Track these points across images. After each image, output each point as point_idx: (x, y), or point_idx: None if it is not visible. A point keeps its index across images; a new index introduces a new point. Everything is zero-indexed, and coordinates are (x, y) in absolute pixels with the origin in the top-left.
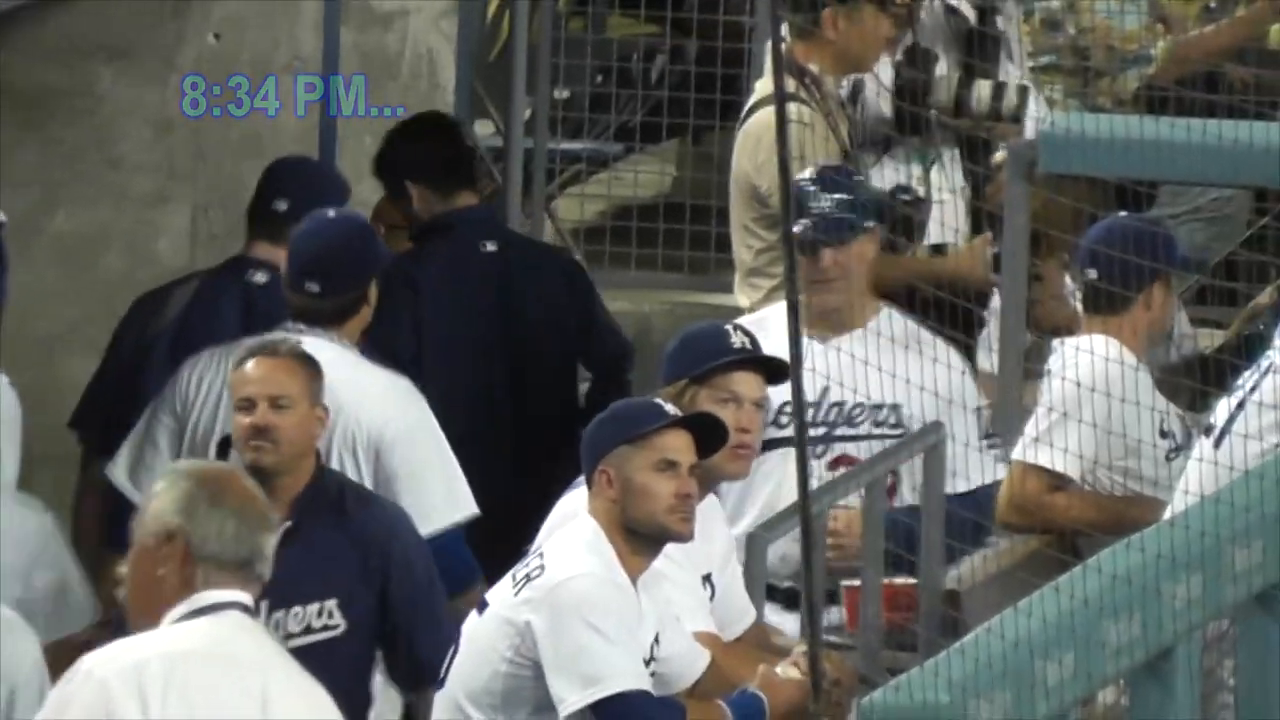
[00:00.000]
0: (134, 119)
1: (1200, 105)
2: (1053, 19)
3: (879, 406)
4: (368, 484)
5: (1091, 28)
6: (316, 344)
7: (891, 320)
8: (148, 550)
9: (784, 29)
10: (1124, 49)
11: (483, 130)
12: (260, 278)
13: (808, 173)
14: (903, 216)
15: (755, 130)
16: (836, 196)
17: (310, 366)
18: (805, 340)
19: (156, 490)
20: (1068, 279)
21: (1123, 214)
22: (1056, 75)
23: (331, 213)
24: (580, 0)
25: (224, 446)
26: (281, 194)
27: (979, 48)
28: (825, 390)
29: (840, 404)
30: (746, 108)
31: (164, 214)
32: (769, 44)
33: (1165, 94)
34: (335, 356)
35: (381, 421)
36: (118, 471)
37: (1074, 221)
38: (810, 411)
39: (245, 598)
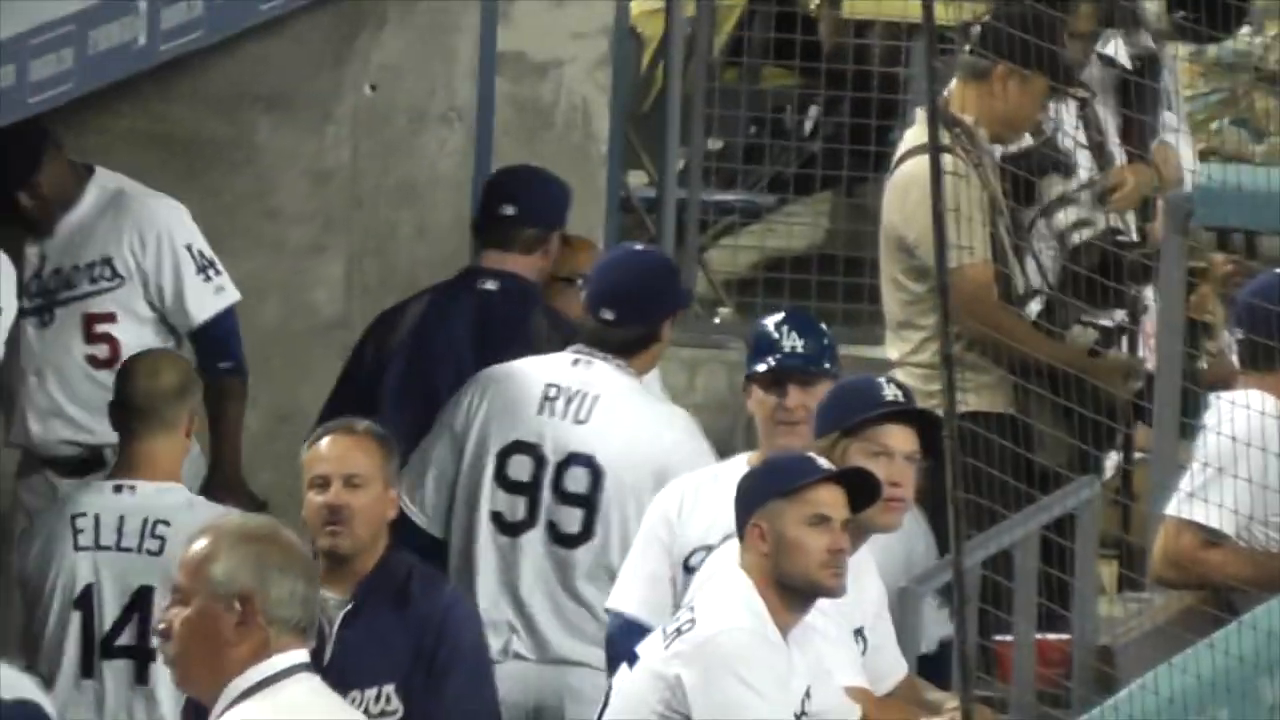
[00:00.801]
0: (291, 169)
1: None
2: (1227, 60)
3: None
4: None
5: None
6: (604, 369)
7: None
8: (213, 613)
9: (948, 73)
10: None
11: (636, 180)
12: (491, 285)
13: (777, 316)
14: (1127, 261)
15: (903, 180)
16: (806, 339)
17: (386, 446)
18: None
19: (207, 548)
20: (1226, 333)
21: (1277, 270)
22: (1227, 108)
23: (639, 246)
24: (735, 51)
25: (503, 456)
26: (508, 200)
27: (1136, 99)
28: None
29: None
30: (896, 158)
31: (320, 264)
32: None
33: None
34: (623, 385)
35: (662, 451)
36: (403, 495)
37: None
38: None
39: (306, 656)
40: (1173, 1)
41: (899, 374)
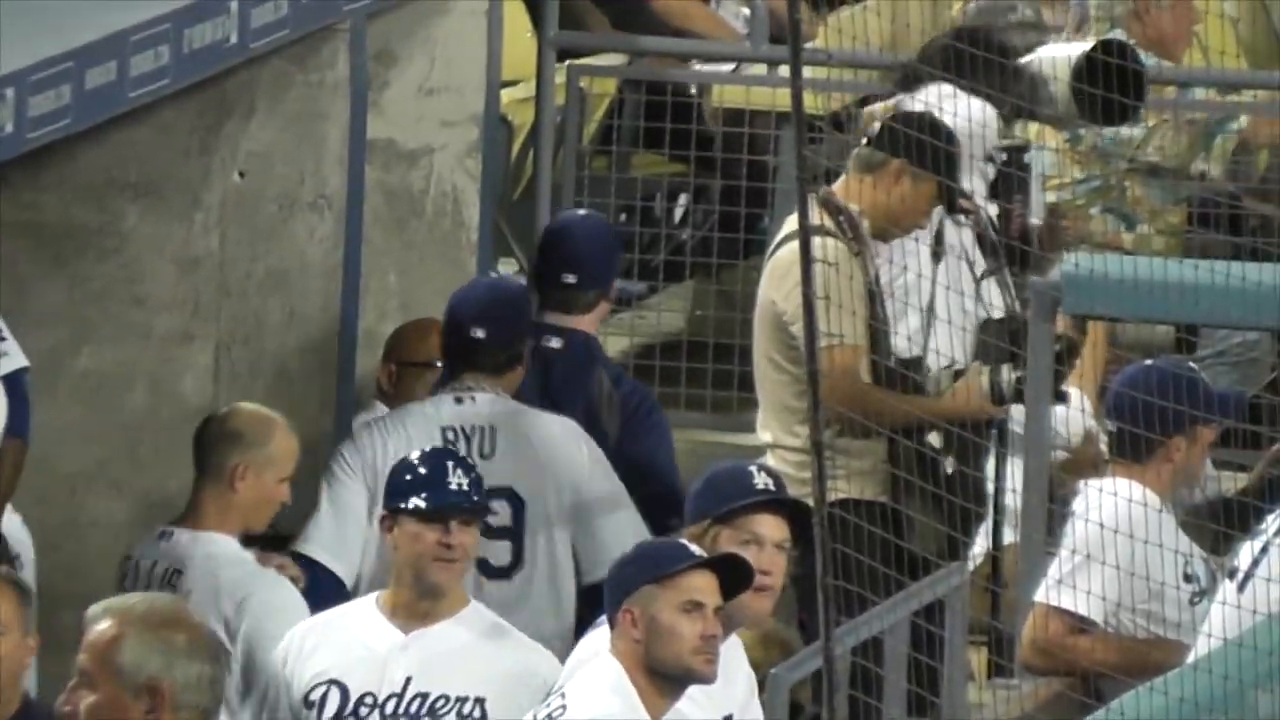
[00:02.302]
0: (159, 257)
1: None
2: (1106, 148)
3: (464, 699)
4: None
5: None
6: (486, 399)
7: (479, 614)
8: (120, 701)
9: (815, 162)
10: (1205, 118)
11: (506, 268)
12: (555, 344)
13: (429, 451)
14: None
15: (785, 261)
16: (468, 475)
17: (22, 592)
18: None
19: (113, 632)
20: (1093, 421)
21: (1149, 360)
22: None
23: (495, 274)
24: (605, 139)
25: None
26: (570, 269)
27: (1005, 189)
28: (409, 680)
29: (424, 694)
30: (777, 239)
31: (188, 351)
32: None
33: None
34: (511, 410)
35: (577, 465)
36: (315, 548)
37: None
38: (393, 702)
39: None
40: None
41: (771, 459)
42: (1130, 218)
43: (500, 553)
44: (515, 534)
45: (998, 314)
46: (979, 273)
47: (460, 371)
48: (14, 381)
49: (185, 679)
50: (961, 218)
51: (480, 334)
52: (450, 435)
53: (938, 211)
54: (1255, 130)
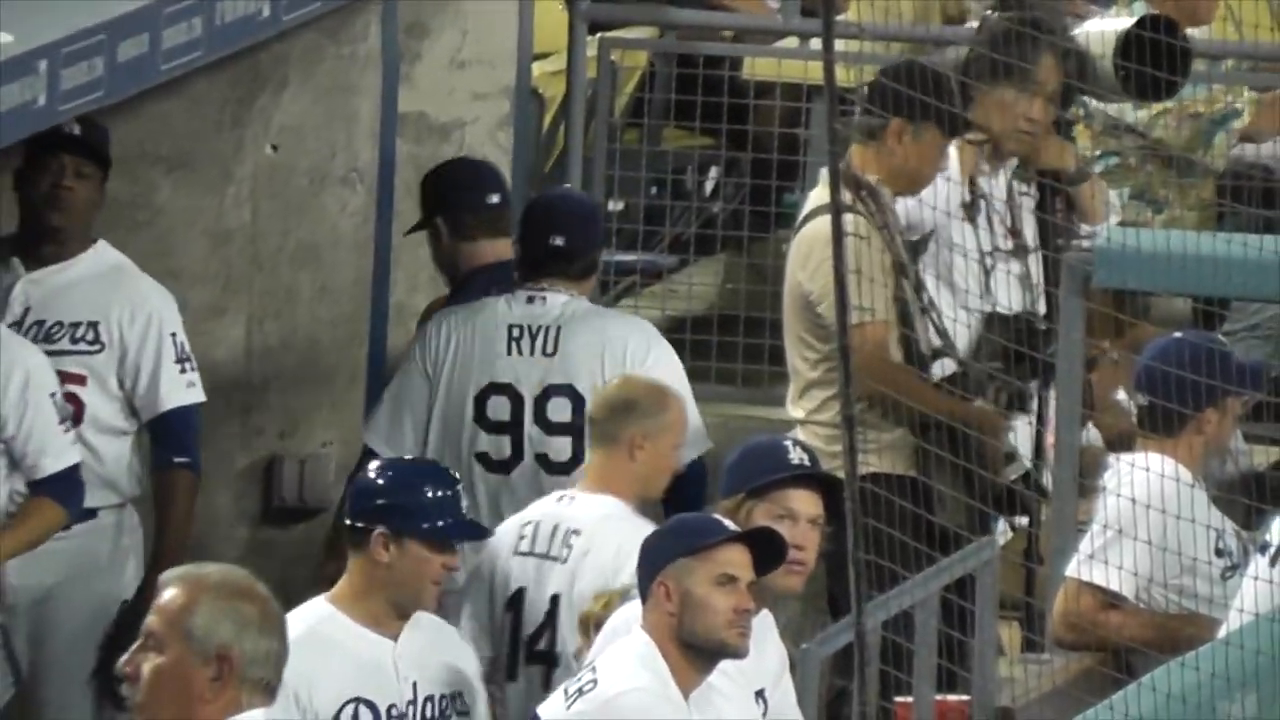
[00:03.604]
0: (192, 230)
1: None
2: (1114, 122)
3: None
4: None
5: (1166, 110)
6: (558, 300)
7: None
8: (187, 666)
9: (846, 135)
10: (1210, 111)
11: None
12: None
13: (435, 473)
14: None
15: (807, 239)
16: (462, 500)
17: None
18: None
19: (186, 598)
20: (1121, 392)
21: (1178, 334)
22: (1124, 177)
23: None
24: (635, 112)
25: (481, 399)
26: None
27: None
28: (415, 685)
29: (430, 696)
30: (800, 217)
31: (220, 325)
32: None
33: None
34: (581, 310)
35: (637, 363)
36: (374, 437)
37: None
38: (412, 709)
39: (271, 715)
40: (1118, 61)
41: (802, 434)
42: (1158, 202)
43: (561, 448)
44: (575, 430)
45: (1003, 309)
46: (990, 263)
47: (538, 276)
48: (192, 414)
49: (254, 651)
50: (985, 166)
51: (560, 241)
52: (515, 332)
53: (965, 169)
54: (1257, 125)
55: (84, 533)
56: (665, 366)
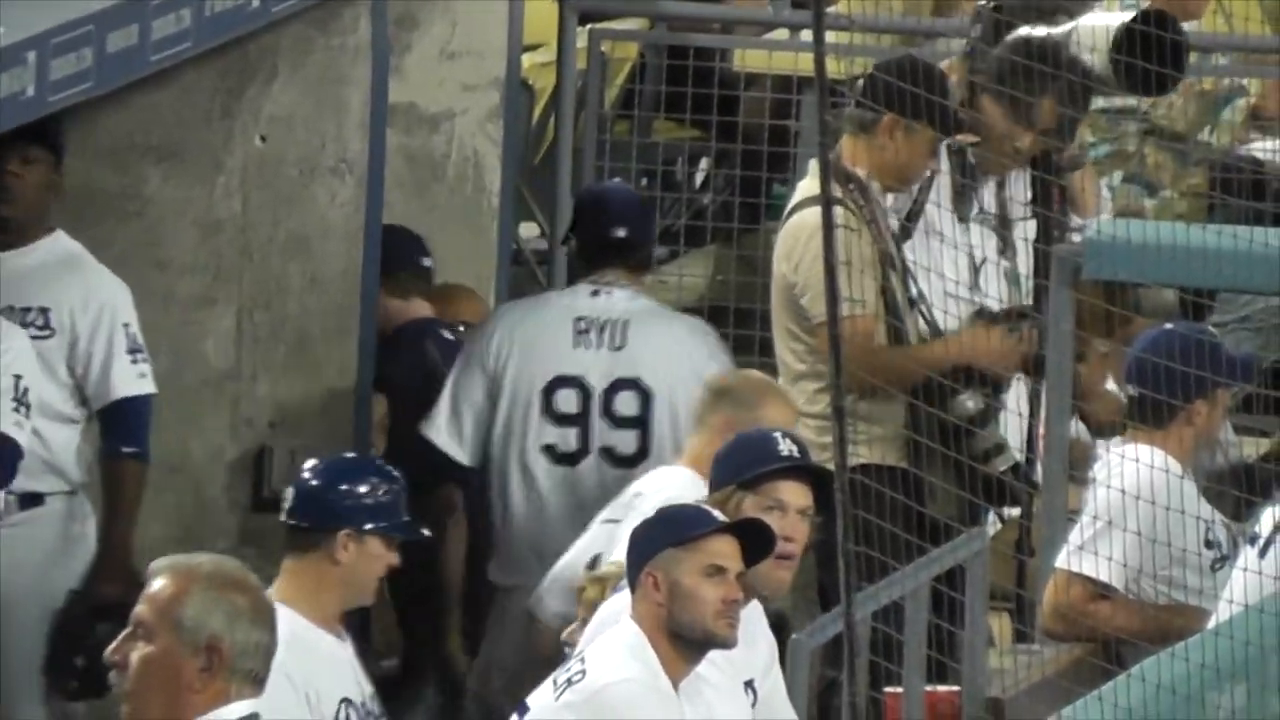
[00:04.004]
0: (181, 220)
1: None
2: (1114, 106)
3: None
4: None
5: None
6: (622, 295)
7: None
8: (176, 657)
9: (837, 127)
10: (1215, 89)
11: (528, 233)
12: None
13: (379, 469)
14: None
15: (794, 231)
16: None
17: None
18: None
19: (177, 587)
20: (1110, 381)
21: (1168, 325)
22: (1119, 163)
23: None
24: (626, 104)
25: (548, 391)
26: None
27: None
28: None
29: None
30: (787, 209)
31: (210, 315)
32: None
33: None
34: (644, 306)
35: (702, 361)
36: (436, 432)
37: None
38: (365, 704)
39: (258, 707)
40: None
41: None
42: (1152, 185)
43: (627, 441)
44: (642, 423)
45: (992, 304)
46: (979, 256)
47: (599, 268)
48: (143, 405)
49: (244, 643)
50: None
51: (622, 233)
52: (583, 325)
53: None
54: (1265, 103)
55: (31, 519)
56: (723, 360)
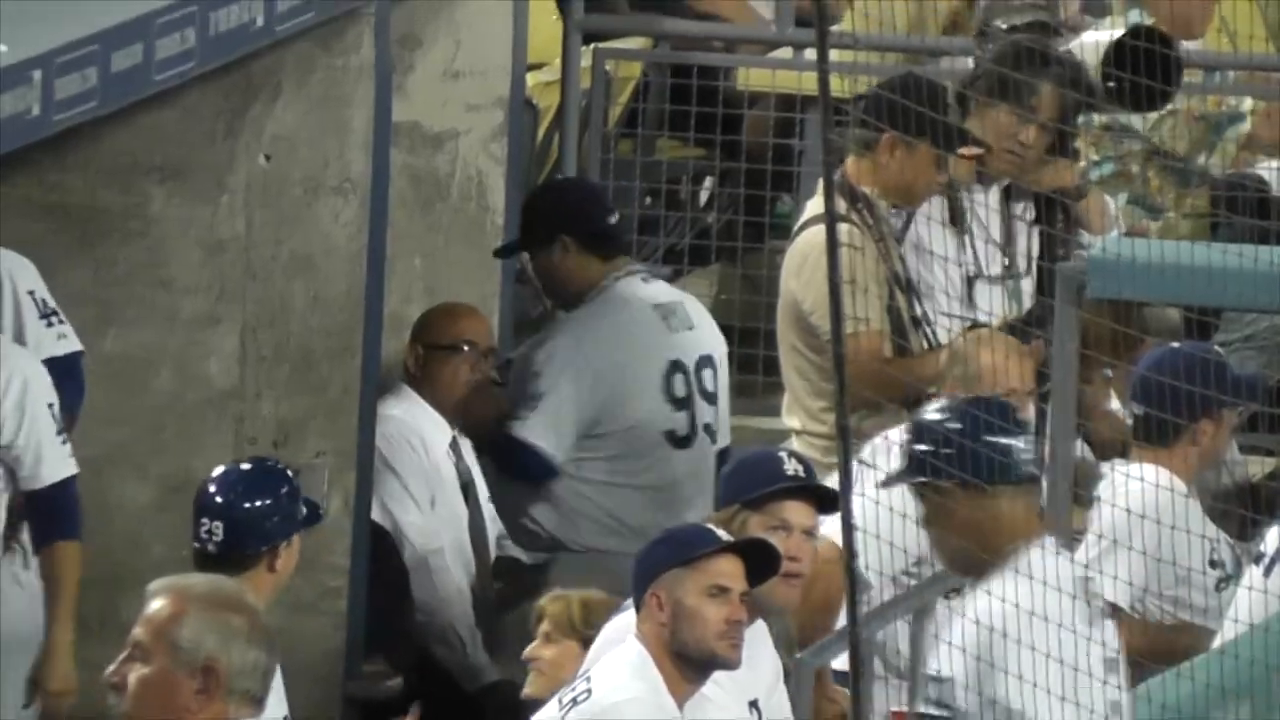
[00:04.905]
0: (185, 239)
1: None
2: (1116, 125)
3: None
4: None
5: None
6: (656, 279)
7: None
8: (173, 678)
9: (841, 145)
10: (1215, 111)
11: None
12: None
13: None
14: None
15: (802, 249)
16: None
17: None
18: None
19: (173, 609)
20: (1114, 399)
21: (1174, 344)
22: (1122, 183)
23: None
24: (629, 123)
25: (667, 377)
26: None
27: None
28: None
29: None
30: (796, 227)
31: (214, 334)
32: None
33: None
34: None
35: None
36: (534, 434)
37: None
38: None
39: None
40: (1107, 69)
41: (797, 443)
42: (1155, 207)
43: (717, 417)
44: (718, 399)
45: (984, 318)
46: (970, 271)
47: (612, 257)
48: (72, 364)
49: (241, 663)
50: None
51: (614, 219)
52: (660, 312)
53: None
54: (1261, 130)
55: None
56: None
